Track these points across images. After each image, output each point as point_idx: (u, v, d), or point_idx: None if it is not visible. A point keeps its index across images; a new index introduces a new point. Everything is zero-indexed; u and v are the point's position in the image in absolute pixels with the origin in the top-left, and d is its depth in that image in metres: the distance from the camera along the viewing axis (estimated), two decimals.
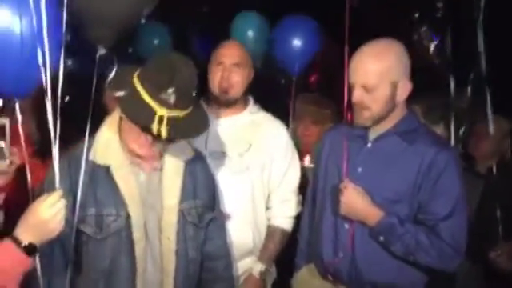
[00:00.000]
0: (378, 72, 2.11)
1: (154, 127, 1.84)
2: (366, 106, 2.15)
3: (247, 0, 4.60)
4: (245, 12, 4.46)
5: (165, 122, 1.85)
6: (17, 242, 1.63)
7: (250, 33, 4.30)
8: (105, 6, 1.82)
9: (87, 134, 1.97)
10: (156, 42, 4.83)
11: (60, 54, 1.76)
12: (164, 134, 1.85)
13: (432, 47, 3.56)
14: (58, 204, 1.67)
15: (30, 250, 1.64)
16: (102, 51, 1.92)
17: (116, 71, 1.94)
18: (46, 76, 1.70)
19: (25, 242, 1.63)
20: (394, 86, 2.14)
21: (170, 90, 1.85)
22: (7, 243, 1.63)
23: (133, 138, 1.97)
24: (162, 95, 1.85)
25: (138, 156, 2.03)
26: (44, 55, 1.68)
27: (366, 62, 2.13)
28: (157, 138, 1.90)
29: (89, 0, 1.78)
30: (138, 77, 1.91)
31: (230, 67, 2.66)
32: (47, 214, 1.64)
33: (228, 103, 2.69)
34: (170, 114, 1.86)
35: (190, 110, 1.94)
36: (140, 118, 1.87)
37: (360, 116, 2.19)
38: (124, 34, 1.99)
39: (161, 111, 1.85)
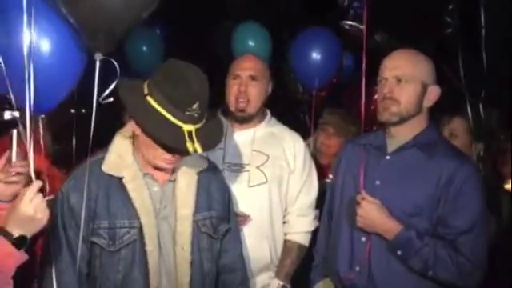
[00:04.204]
0: (413, 65, 2.16)
1: (189, 146, 1.85)
2: (396, 99, 2.14)
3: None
4: (246, 22, 4.49)
5: (194, 137, 1.87)
6: (7, 234, 1.64)
7: (251, 43, 4.35)
8: (102, 12, 1.83)
9: (89, 147, 1.97)
10: (146, 48, 4.65)
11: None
12: (199, 149, 1.87)
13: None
14: (37, 197, 1.67)
15: (21, 242, 1.65)
16: (98, 57, 1.90)
17: (118, 84, 1.93)
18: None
19: (15, 235, 1.64)
20: (425, 87, 2.16)
21: (195, 106, 1.86)
22: None
23: (156, 155, 1.96)
24: (186, 112, 1.86)
25: (160, 169, 2.03)
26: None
27: (403, 56, 2.20)
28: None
29: (86, 7, 1.80)
30: (152, 94, 1.89)
31: (247, 80, 2.64)
32: (30, 209, 1.65)
33: (244, 119, 2.68)
34: (196, 127, 1.89)
35: (206, 116, 1.96)
36: (171, 140, 1.87)
37: (386, 111, 2.16)
38: (120, 41, 2.00)
39: (187, 127, 1.87)
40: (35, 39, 1.87)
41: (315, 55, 4.11)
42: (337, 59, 4.28)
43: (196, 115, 1.88)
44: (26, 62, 1.77)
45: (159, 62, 2.34)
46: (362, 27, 3.24)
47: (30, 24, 1.78)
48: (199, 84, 1.90)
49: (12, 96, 1.81)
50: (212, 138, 1.98)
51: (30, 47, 1.79)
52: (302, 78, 4.36)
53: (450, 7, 3.52)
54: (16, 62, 1.80)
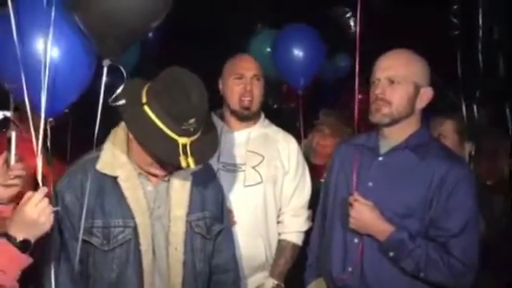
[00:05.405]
0: (406, 66, 2.15)
1: (183, 161, 1.84)
2: (387, 101, 2.14)
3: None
4: (263, 29, 4.49)
5: (188, 150, 1.86)
6: (11, 239, 1.67)
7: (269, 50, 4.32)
8: (111, 19, 1.84)
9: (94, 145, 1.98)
10: None
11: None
12: (192, 164, 1.86)
13: None
14: (43, 201, 1.70)
15: (25, 245, 1.68)
16: (106, 64, 1.92)
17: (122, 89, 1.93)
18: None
19: (19, 238, 1.67)
20: (417, 89, 2.16)
21: (192, 121, 1.85)
22: (1, 241, 1.67)
23: (148, 163, 1.97)
24: (183, 126, 1.85)
25: (152, 175, 2.03)
26: None
27: (396, 57, 2.19)
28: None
29: (97, 13, 1.81)
30: (150, 104, 1.87)
31: (251, 80, 2.67)
32: (35, 213, 1.68)
33: (247, 117, 2.70)
34: (191, 140, 1.88)
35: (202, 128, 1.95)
36: (164, 153, 1.87)
37: (378, 112, 2.17)
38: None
39: (182, 140, 1.86)
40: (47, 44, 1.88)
41: (297, 52, 4.01)
42: (319, 57, 4.16)
43: (192, 129, 1.87)
44: (43, 67, 1.81)
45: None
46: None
47: (46, 30, 1.81)
48: (199, 98, 1.87)
49: (12, 98, 1.82)
50: (206, 151, 1.98)
51: (46, 52, 1.82)
52: (287, 78, 4.27)
53: (455, 7, 3.48)
54: (31, 67, 1.83)
